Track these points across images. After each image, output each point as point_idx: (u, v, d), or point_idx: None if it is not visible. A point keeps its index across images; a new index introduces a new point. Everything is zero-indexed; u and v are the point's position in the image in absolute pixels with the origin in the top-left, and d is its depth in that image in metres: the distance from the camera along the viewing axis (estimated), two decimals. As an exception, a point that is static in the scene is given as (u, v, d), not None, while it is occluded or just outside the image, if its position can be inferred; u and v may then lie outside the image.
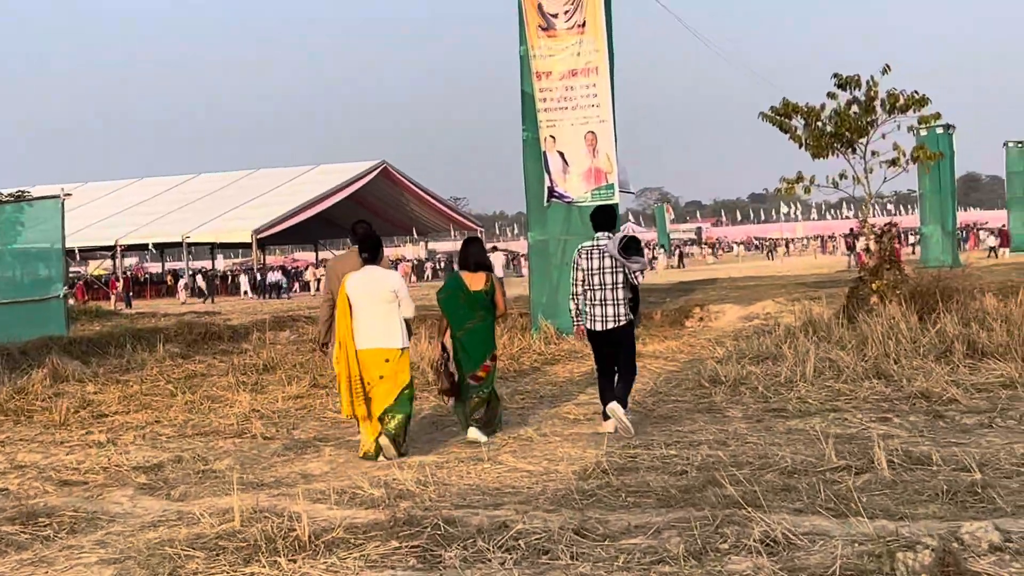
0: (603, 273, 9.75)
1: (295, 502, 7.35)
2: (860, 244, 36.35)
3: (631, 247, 9.67)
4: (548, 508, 6.76)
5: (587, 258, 9.85)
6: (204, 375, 16.14)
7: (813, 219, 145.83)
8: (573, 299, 10.06)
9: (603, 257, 9.75)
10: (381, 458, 9.09)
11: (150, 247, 67.94)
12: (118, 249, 63.64)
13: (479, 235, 50.93)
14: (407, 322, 9.44)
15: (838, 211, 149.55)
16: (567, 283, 18.50)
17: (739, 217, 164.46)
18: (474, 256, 10.18)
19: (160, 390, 14.48)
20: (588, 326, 9.95)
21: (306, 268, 72.12)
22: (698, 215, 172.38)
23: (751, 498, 6.47)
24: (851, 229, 52.73)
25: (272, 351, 18.30)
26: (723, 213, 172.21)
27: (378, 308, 9.16)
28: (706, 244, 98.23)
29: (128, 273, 70.17)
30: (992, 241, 53.06)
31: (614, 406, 9.67)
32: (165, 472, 9.16)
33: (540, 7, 18.83)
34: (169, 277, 70.36)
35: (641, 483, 7.40)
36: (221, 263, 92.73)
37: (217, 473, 8.98)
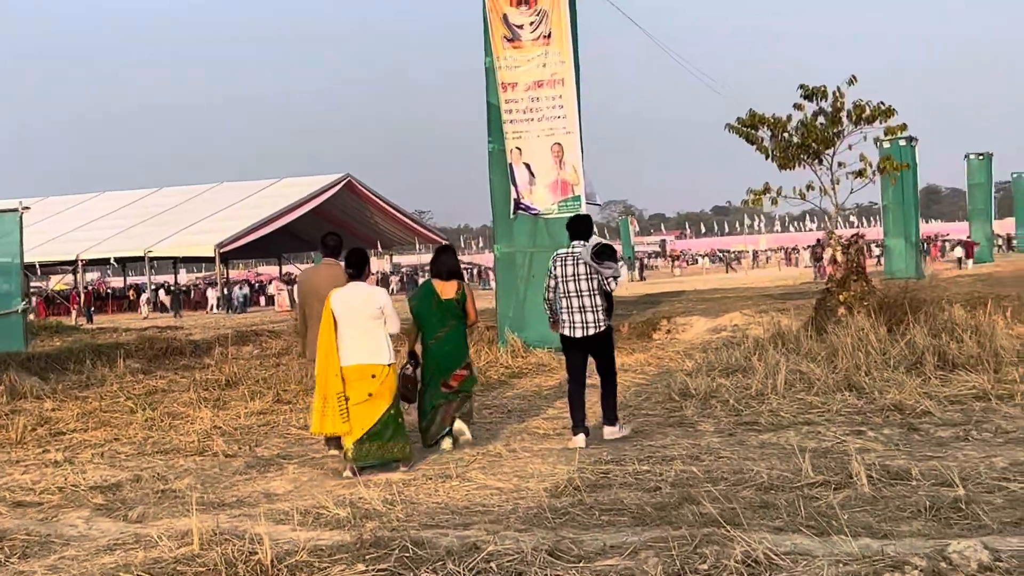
0: (578, 280, 9.71)
1: (257, 523, 7.09)
2: (827, 255, 36.44)
3: (604, 254, 9.63)
4: (520, 528, 6.55)
5: (561, 265, 9.84)
6: (165, 391, 15.84)
7: (777, 231, 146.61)
8: (546, 301, 10.10)
9: (577, 264, 9.72)
10: (347, 474, 8.94)
11: (112, 261, 67.23)
12: (79, 264, 62.93)
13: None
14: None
15: (801, 223, 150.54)
16: (534, 296, 18.50)
17: (703, 229, 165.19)
18: (446, 264, 10.26)
19: (120, 407, 14.17)
20: (567, 333, 9.88)
21: (270, 282, 71.63)
22: (662, 228, 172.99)
23: (729, 516, 6.28)
24: (817, 240, 52.92)
25: (235, 366, 18.03)
26: (687, 226, 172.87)
27: (364, 324, 9.07)
28: (670, 256, 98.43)
29: (89, 288, 69.45)
30: (959, 252, 53.51)
31: (609, 431, 9.83)
32: (123, 492, 8.89)
33: (506, 18, 18.70)
34: (131, 292, 69.63)
35: (615, 500, 7.20)
36: (184, 277, 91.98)
37: (177, 493, 8.71)
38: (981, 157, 58.18)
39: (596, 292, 9.69)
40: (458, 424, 9.99)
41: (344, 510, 7.34)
